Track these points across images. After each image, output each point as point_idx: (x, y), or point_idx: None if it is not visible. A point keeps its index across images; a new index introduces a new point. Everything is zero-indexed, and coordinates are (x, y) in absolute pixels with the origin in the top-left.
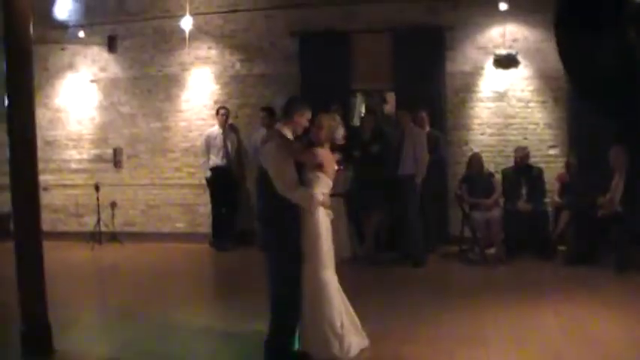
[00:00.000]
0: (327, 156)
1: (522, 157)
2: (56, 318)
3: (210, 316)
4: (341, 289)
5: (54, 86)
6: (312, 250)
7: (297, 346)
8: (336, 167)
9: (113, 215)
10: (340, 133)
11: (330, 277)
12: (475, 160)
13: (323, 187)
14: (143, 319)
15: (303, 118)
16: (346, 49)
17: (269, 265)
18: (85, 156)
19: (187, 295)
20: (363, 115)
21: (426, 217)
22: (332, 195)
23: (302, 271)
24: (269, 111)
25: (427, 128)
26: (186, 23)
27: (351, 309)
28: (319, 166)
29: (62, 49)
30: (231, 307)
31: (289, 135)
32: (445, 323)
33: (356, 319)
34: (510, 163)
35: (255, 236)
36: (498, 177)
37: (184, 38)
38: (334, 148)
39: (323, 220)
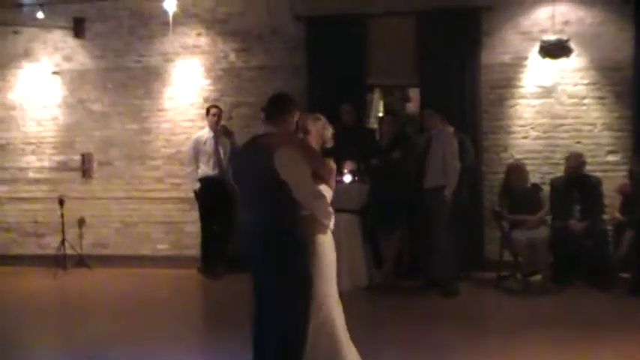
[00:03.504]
0: (329, 165)
1: (575, 165)
2: None
3: (199, 356)
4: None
5: (6, 78)
6: (319, 277)
7: None
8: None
9: (81, 235)
10: (329, 134)
11: (337, 307)
12: (515, 170)
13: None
14: None
15: (294, 120)
16: (362, 36)
17: (266, 295)
18: (46, 163)
19: (170, 333)
20: (381, 116)
21: (457, 237)
22: (345, 211)
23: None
24: None
25: (451, 129)
26: (170, 4)
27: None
28: (324, 179)
29: (15, 33)
30: (222, 346)
31: None
32: None
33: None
34: (560, 172)
35: None
36: (546, 189)
37: (167, 23)
38: (329, 154)
39: (330, 239)
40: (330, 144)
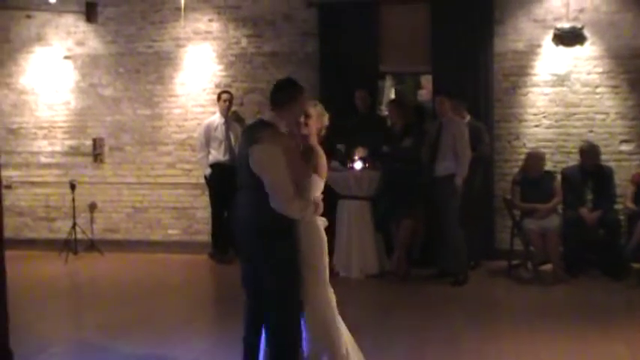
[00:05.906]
0: (320, 153)
1: (588, 154)
2: (20, 345)
3: (209, 343)
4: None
5: (18, 63)
6: (310, 264)
7: None
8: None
9: (92, 220)
10: (326, 120)
11: (330, 295)
12: (534, 159)
13: (317, 190)
14: (125, 348)
15: (300, 107)
16: (374, 23)
17: (255, 282)
18: (57, 148)
19: (181, 318)
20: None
21: (469, 225)
22: (356, 198)
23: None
24: None
25: (467, 117)
26: None
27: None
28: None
29: (28, 17)
30: (234, 331)
31: (283, 130)
32: (491, 356)
33: (356, 345)
34: (572, 161)
35: None
36: (558, 178)
37: (179, 8)
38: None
39: (320, 229)
40: (324, 131)
